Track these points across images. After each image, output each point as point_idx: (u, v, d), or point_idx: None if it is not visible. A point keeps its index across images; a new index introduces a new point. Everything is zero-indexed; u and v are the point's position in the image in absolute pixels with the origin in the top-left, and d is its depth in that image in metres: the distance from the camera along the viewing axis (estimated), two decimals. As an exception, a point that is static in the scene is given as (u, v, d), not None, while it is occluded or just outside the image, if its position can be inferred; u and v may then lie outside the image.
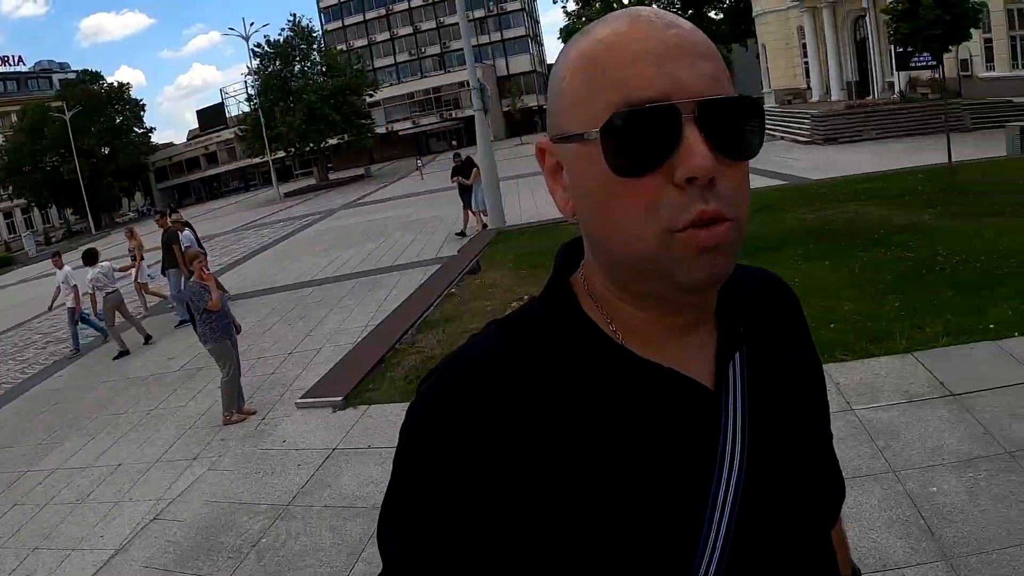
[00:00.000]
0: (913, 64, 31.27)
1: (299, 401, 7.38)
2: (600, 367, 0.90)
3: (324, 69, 56.00)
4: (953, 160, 15.95)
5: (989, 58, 32.24)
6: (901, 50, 30.83)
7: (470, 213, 18.28)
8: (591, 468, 0.85)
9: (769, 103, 45.39)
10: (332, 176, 59.78)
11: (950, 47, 14.70)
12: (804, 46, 44.57)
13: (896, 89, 34.15)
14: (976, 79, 30.16)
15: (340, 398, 7.20)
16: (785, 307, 1.15)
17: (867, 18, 37.90)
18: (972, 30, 14.90)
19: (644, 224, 0.82)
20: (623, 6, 12.77)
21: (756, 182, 19.99)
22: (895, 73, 34.82)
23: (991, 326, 7.09)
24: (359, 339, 9.90)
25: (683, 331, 0.94)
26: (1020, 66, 31.77)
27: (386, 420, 6.65)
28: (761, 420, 0.94)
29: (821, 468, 1.03)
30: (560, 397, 0.88)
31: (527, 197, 23.83)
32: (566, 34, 13.27)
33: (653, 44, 0.82)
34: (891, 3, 14.94)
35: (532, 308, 1.00)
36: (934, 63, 30.40)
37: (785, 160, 24.32)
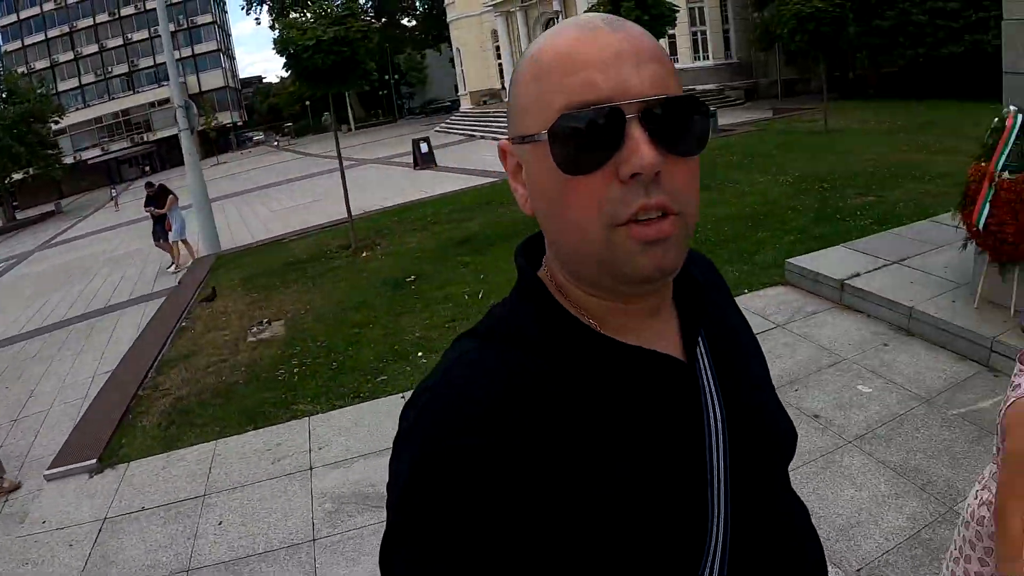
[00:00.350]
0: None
1: (48, 472, 6.53)
2: (591, 359, 0.93)
3: (5, 95, 50.23)
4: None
5: (672, 52, 35.32)
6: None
7: (172, 245, 16.89)
8: (603, 458, 0.88)
9: (466, 105, 47.02)
10: (20, 215, 54.12)
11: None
12: (498, 48, 46.39)
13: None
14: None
15: (94, 461, 6.50)
16: (717, 280, 1.24)
17: (558, 20, 40.16)
18: (667, 28, 16.21)
19: (591, 221, 0.86)
20: (325, 13, 12.59)
21: (471, 181, 20.69)
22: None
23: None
24: (90, 392, 8.99)
25: (648, 314, 0.99)
26: (700, 58, 35.49)
27: (152, 475, 6.10)
28: (727, 384, 1.02)
29: (777, 415, 1.14)
30: (558, 394, 0.89)
31: (235, 217, 23.02)
32: (281, 45, 12.70)
33: (600, 49, 0.85)
34: (593, 4, 15.90)
35: (501, 314, 1.01)
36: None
37: (494, 159, 25.18)
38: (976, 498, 2.45)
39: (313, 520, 4.90)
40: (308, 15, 12.30)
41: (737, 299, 5.37)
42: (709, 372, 1.01)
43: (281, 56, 12.23)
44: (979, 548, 2.42)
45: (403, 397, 6.30)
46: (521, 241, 1.08)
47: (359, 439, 5.87)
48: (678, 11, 17.19)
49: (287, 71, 13.06)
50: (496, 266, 10.32)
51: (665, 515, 0.90)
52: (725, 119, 24.84)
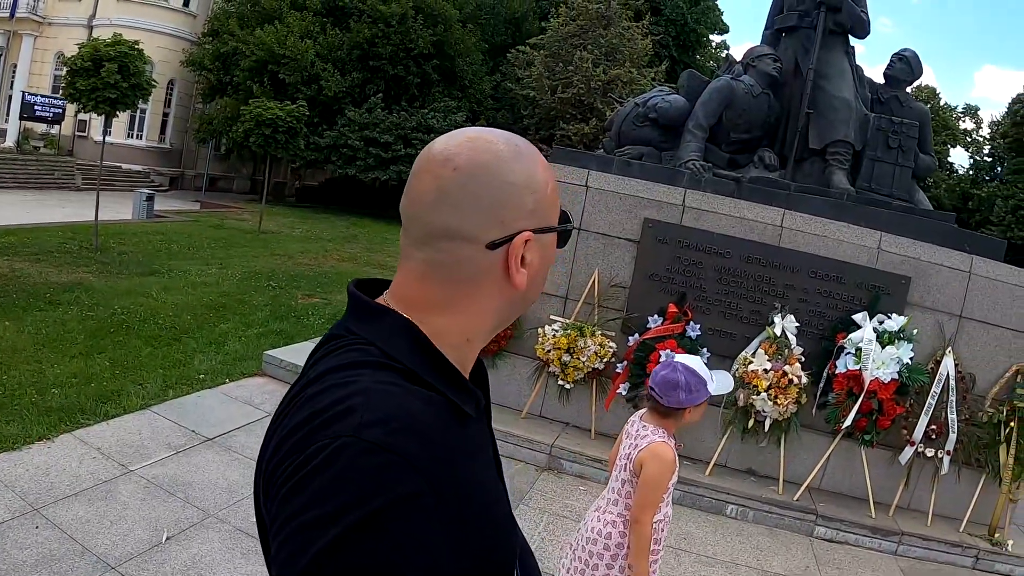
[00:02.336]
0: (38, 115, 30.11)
1: None
2: (456, 390, 1.09)
3: None
4: (77, 219, 16.03)
5: (108, 124, 32.80)
6: (30, 99, 29.33)
7: None
8: (475, 465, 1.09)
9: None
10: None
11: (118, 112, 14.94)
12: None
13: (13, 138, 32.08)
14: (91, 141, 30.35)
15: None
16: None
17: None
18: (140, 100, 15.57)
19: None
20: None
21: None
22: (8, 121, 32.81)
23: (201, 376, 7.61)
24: None
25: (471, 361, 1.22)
26: (135, 136, 33.69)
27: None
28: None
29: None
30: (448, 419, 1.05)
31: None
32: None
33: None
34: (72, 57, 14.53)
35: (379, 353, 1.09)
36: (59, 118, 29.78)
37: None
38: (599, 520, 3.19)
39: None
40: None
41: (220, 388, 5.75)
42: (488, 412, 1.27)
43: None
44: (607, 556, 3.13)
45: None
46: (353, 282, 1.28)
47: None
48: (156, 86, 16.77)
49: None
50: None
51: (505, 510, 1.15)
52: (158, 205, 24.04)
